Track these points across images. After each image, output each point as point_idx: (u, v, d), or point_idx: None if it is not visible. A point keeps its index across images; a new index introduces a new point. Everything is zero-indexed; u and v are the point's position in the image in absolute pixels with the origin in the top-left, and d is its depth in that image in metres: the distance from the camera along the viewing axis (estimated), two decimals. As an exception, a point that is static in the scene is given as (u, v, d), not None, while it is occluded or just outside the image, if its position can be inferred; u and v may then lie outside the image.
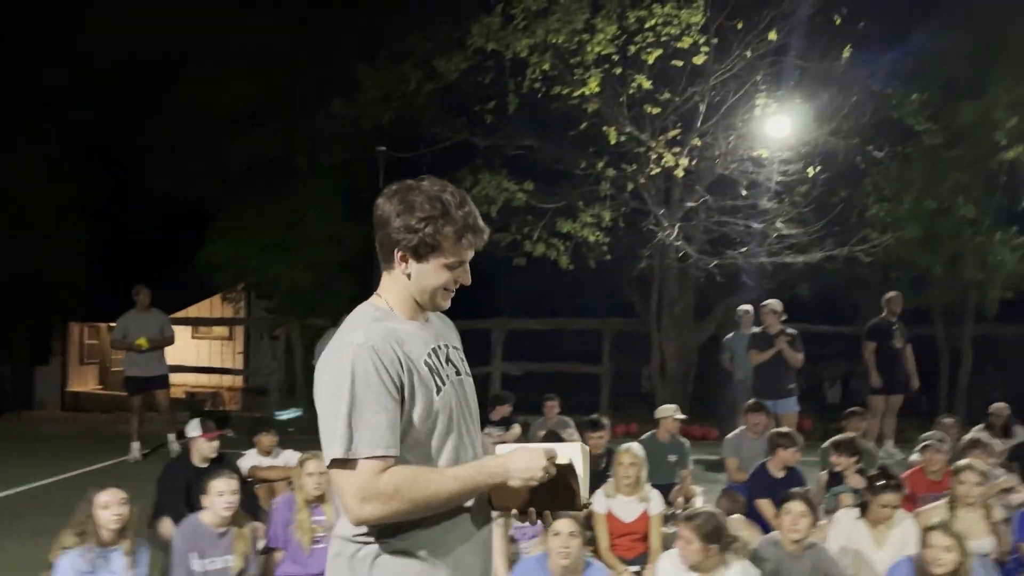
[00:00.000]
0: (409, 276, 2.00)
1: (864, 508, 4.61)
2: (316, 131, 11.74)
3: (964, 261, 10.76)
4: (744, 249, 10.51)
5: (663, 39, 9.18)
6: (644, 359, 12.46)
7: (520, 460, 1.90)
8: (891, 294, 9.23)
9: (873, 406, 8.90)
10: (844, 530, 4.62)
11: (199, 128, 11.79)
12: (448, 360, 2.07)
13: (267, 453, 6.22)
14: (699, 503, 6.01)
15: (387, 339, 1.91)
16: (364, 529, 1.90)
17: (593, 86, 9.29)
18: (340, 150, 11.97)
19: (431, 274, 1.99)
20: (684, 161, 9.75)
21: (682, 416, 6.94)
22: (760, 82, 10.29)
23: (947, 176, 10.21)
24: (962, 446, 5.79)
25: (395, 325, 1.99)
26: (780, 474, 5.60)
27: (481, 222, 2.02)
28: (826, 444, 5.97)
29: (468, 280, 2.05)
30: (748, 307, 9.68)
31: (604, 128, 9.64)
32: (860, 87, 10.00)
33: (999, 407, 7.70)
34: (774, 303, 8.70)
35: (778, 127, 10.47)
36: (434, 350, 2.02)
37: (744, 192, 10.42)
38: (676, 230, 10.33)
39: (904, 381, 8.99)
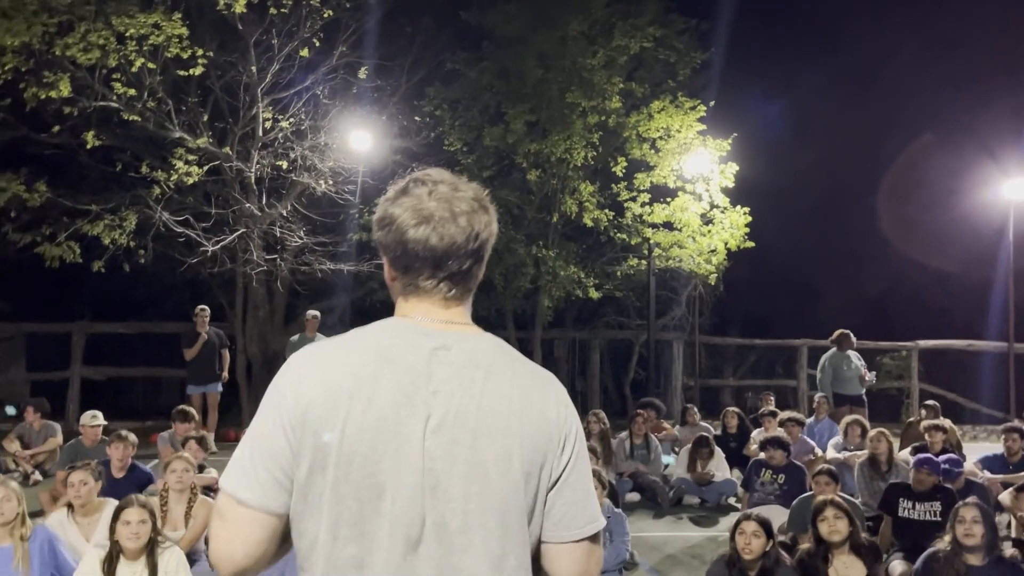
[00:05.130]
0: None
1: None
2: None
3: (518, 273, 12.04)
4: (281, 256, 10.98)
5: (146, 48, 9.26)
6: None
7: None
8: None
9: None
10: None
11: None
12: None
13: None
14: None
15: None
16: None
17: (64, 90, 9.09)
18: None
19: None
20: (196, 170, 9.99)
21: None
22: (328, 98, 10.98)
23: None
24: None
25: None
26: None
27: None
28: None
29: None
30: (315, 312, 10.31)
31: (84, 135, 9.60)
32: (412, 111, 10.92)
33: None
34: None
35: (359, 141, 11.18)
36: None
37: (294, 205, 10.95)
38: (255, 238, 10.66)
39: None
